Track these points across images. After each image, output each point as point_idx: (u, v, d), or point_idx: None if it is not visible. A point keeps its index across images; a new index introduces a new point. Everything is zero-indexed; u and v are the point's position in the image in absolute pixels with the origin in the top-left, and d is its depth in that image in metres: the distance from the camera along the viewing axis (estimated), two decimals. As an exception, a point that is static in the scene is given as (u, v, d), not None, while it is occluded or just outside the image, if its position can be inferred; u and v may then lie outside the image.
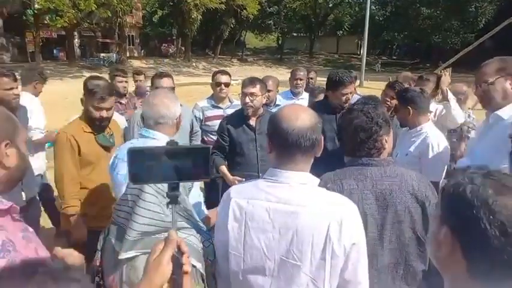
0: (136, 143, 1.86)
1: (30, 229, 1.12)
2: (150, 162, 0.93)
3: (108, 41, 32.90)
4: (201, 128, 3.55)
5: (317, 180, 1.29)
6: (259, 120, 2.93)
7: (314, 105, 3.44)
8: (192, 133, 3.40)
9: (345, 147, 1.65)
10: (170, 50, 37.51)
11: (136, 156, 0.93)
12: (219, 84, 3.52)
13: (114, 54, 30.70)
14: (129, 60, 30.01)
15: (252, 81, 2.90)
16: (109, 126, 2.61)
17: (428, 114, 2.70)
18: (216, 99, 3.59)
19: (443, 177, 2.51)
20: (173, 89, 3.09)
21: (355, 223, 1.22)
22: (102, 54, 29.94)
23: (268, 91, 3.68)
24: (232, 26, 36.36)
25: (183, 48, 35.78)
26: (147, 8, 37.61)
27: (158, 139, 1.82)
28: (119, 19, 26.32)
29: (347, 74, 3.00)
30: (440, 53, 33.53)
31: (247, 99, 2.84)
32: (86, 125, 2.51)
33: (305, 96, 4.20)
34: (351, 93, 2.99)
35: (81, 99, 2.56)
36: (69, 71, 23.16)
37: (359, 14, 40.58)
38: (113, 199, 2.34)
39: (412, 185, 1.48)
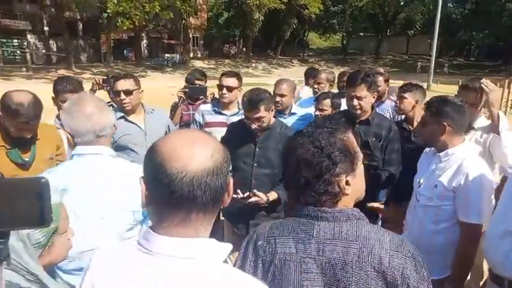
0: (71, 165, 1.53)
1: None
2: None
3: (173, 42, 34.33)
4: None
5: (221, 251, 0.83)
6: (264, 132, 2.53)
7: (330, 114, 2.93)
8: None
9: (287, 188, 1.16)
10: (232, 51, 38.10)
11: None
12: (221, 87, 3.11)
13: (178, 55, 31.91)
14: (191, 60, 31.01)
15: (255, 104, 2.47)
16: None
17: (465, 134, 2.04)
18: (221, 105, 3.19)
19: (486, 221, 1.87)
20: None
21: None
22: (166, 55, 31.28)
23: (282, 96, 3.23)
24: (294, 26, 35.83)
25: (244, 49, 36.12)
26: (213, 10, 38.70)
27: (103, 153, 1.54)
28: (183, 21, 27.30)
29: (361, 72, 2.51)
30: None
31: (254, 125, 2.46)
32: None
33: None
34: (364, 98, 2.46)
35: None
36: (135, 70, 24.51)
37: (433, 13, 37.57)
38: None
39: (380, 257, 0.94)
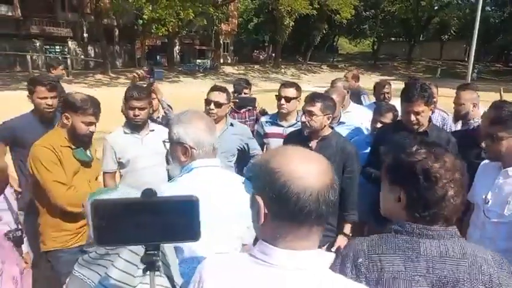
0: (193, 178, 1.48)
1: None
2: (121, 218, 0.75)
3: (204, 48, 34.99)
4: (261, 145, 3.22)
5: (327, 259, 0.89)
6: (320, 143, 2.55)
7: (389, 125, 2.91)
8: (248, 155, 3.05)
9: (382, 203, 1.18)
10: (261, 56, 38.34)
11: (102, 211, 0.74)
12: (279, 97, 3.08)
13: (209, 61, 32.49)
14: (222, 66, 31.45)
15: (312, 98, 2.54)
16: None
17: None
18: (279, 115, 3.22)
19: None
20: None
21: None
22: (198, 61, 31.93)
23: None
24: (324, 31, 35.67)
25: (273, 54, 36.28)
26: (243, 16, 39.18)
27: (218, 165, 1.58)
28: (215, 27, 27.82)
29: (417, 86, 2.43)
30: None
31: (304, 118, 2.51)
32: (64, 137, 2.31)
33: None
34: (422, 112, 2.43)
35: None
36: (167, 76, 25.13)
37: (469, 17, 36.37)
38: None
39: (490, 275, 0.97)
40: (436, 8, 37.35)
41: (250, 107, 3.75)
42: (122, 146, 2.84)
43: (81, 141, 2.36)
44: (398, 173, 1.10)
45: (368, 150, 2.91)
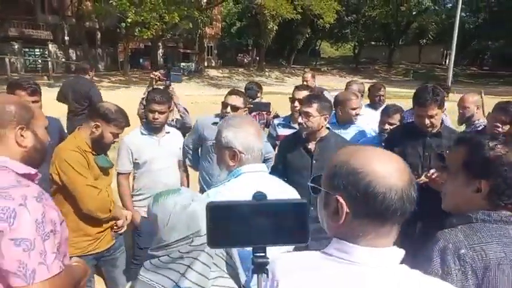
0: (245, 182, 1.44)
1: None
2: (235, 221, 0.77)
3: (188, 51, 34.77)
4: (274, 147, 3.26)
5: (400, 256, 0.90)
6: (319, 144, 2.57)
7: (401, 126, 3.00)
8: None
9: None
10: (245, 60, 38.42)
11: (220, 214, 0.77)
12: (293, 100, 3.12)
13: (193, 64, 32.30)
14: (206, 69, 31.33)
15: (308, 99, 2.59)
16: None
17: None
18: (292, 118, 3.26)
19: None
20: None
21: None
22: (182, 64, 31.68)
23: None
24: (307, 35, 36.07)
25: (257, 58, 36.41)
26: (226, 20, 39.16)
27: (265, 171, 1.59)
28: (199, 30, 27.68)
29: (429, 90, 2.51)
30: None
31: (301, 119, 2.55)
32: (86, 143, 2.30)
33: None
34: (436, 115, 2.51)
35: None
36: (152, 79, 24.84)
37: (446, 22, 37.55)
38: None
39: None
40: (414, 13, 38.40)
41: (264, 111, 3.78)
42: (139, 147, 2.86)
43: (102, 148, 2.36)
44: (482, 167, 1.20)
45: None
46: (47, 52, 25.56)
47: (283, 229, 0.79)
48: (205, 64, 32.96)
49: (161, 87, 3.28)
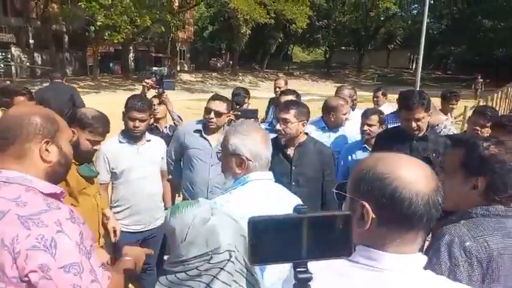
0: (252, 190, 1.43)
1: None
2: (278, 236, 0.73)
3: (160, 55, 34.24)
4: None
5: (424, 261, 0.90)
6: (298, 150, 2.58)
7: (385, 131, 3.06)
8: None
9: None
10: (218, 64, 38.27)
11: (262, 229, 0.72)
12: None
13: (166, 68, 31.81)
14: (179, 74, 30.95)
15: (286, 105, 2.59)
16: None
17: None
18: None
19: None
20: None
21: None
22: (154, 68, 31.09)
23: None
24: (280, 40, 36.44)
25: (231, 62, 36.39)
26: (198, 24, 38.94)
27: (272, 179, 1.55)
28: (171, 34, 27.33)
29: (415, 94, 2.62)
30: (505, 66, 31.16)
31: (279, 125, 2.56)
32: None
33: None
34: (422, 118, 2.58)
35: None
36: (123, 84, 24.26)
37: (412, 28, 39.07)
38: None
39: None
40: (382, 18, 39.72)
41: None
42: (116, 155, 2.71)
43: (83, 157, 2.22)
44: (479, 165, 1.30)
45: (359, 153, 3.05)
46: (9, 56, 24.39)
47: (326, 242, 0.75)
48: (178, 68, 32.57)
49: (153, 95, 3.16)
